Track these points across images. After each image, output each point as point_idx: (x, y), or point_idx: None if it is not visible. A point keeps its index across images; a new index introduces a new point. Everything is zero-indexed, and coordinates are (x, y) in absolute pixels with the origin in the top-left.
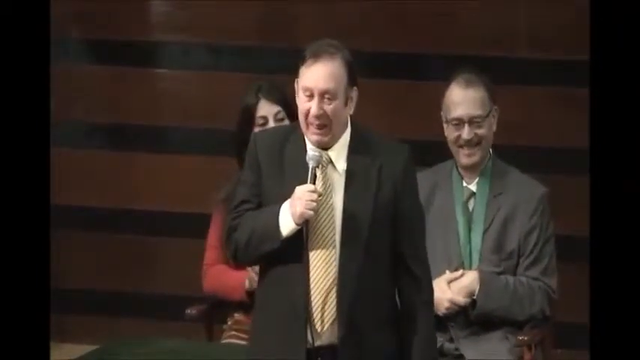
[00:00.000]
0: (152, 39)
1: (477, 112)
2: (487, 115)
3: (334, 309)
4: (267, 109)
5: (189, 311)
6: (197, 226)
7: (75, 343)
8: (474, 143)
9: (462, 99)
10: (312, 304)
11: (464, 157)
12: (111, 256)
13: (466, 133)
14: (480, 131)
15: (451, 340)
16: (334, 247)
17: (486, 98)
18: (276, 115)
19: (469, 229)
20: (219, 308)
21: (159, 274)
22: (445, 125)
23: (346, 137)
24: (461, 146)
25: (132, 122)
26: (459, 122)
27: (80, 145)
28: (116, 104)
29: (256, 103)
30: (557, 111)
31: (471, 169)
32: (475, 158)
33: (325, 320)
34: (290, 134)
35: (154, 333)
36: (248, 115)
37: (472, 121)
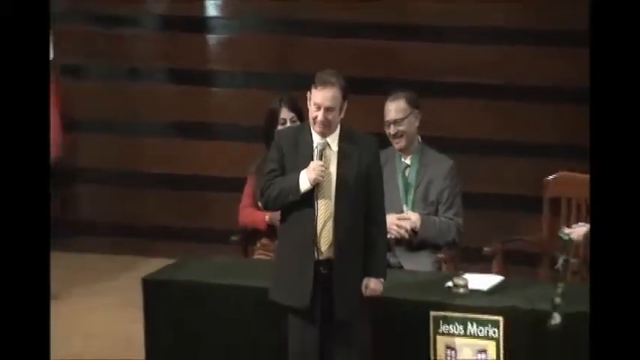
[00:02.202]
0: (208, 68)
1: (397, 116)
2: (404, 118)
3: (331, 236)
4: (286, 114)
5: (233, 238)
6: (236, 186)
7: (162, 258)
8: (397, 136)
9: (389, 108)
10: (317, 233)
11: (393, 143)
12: (187, 205)
13: (391, 130)
14: (400, 128)
15: (395, 256)
16: (331, 198)
17: (405, 107)
18: (291, 118)
19: (406, 189)
20: (251, 236)
21: (215, 215)
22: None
23: (337, 130)
24: (390, 137)
25: (196, 120)
26: (388, 123)
27: (164, 135)
28: (186, 109)
29: (279, 109)
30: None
31: (403, 150)
32: (400, 144)
33: (325, 243)
34: (302, 130)
35: (212, 252)
36: (274, 117)
37: (395, 122)
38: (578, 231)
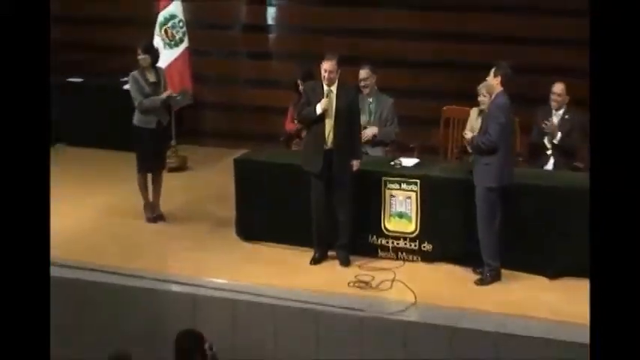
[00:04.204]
0: (267, 51)
1: (364, 76)
2: (368, 77)
3: (332, 137)
4: (298, 78)
5: (281, 139)
6: (282, 111)
7: (244, 149)
8: (365, 87)
9: (360, 73)
10: (325, 136)
11: (362, 91)
12: (258, 120)
13: (361, 83)
14: (366, 82)
15: (364, 148)
16: (332, 118)
17: (368, 71)
18: (300, 81)
19: (369, 115)
20: (290, 138)
21: (272, 126)
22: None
23: (336, 83)
24: (361, 87)
25: (262, 78)
26: (359, 80)
27: (246, 86)
28: (257, 72)
29: (297, 80)
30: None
31: (367, 95)
32: (366, 91)
33: (329, 140)
34: (318, 83)
35: (270, 146)
36: (296, 80)
37: (363, 80)
38: (467, 134)
